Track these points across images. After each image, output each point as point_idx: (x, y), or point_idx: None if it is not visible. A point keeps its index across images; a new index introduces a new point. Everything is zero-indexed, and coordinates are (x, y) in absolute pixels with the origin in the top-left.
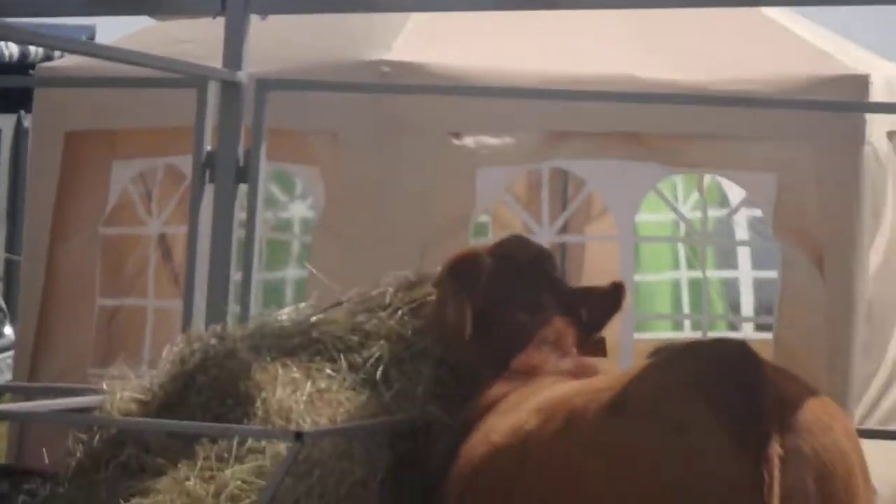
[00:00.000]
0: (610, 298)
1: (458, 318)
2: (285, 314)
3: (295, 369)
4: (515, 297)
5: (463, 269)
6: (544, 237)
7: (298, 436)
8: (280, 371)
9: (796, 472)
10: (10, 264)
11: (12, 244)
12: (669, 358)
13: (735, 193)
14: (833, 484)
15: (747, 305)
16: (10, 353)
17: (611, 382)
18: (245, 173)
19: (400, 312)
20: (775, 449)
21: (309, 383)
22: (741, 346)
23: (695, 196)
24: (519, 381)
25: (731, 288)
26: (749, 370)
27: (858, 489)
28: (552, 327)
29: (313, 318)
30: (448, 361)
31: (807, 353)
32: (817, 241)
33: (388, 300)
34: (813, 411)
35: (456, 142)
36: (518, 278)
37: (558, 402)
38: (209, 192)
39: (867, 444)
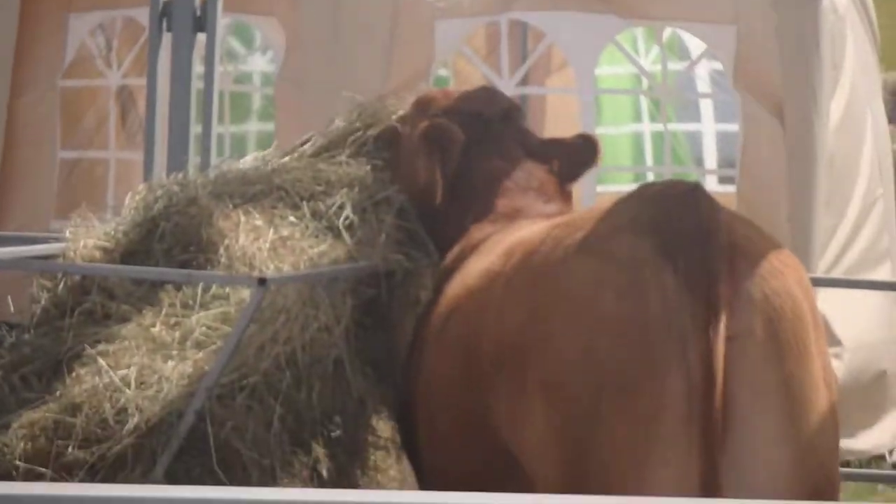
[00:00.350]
0: (582, 151)
1: (429, 182)
2: (247, 162)
3: (257, 216)
4: (490, 149)
5: (436, 133)
6: (504, 89)
7: (262, 282)
8: (242, 218)
9: (744, 315)
10: None
11: None
12: (625, 199)
13: (695, 46)
14: (782, 328)
15: (710, 158)
16: None
17: (568, 221)
18: (203, 22)
19: (362, 150)
20: (723, 291)
21: (271, 230)
22: (695, 189)
23: (655, 49)
24: (502, 224)
25: (693, 140)
26: (701, 212)
27: (808, 335)
28: (534, 174)
29: (275, 165)
30: (410, 209)
31: (769, 205)
32: (777, 93)
33: (349, 125)
34: (766, 257)
35: None
36: (490, 132)
37: (519, 242)
38: (167, 42)
39: (833, 296)
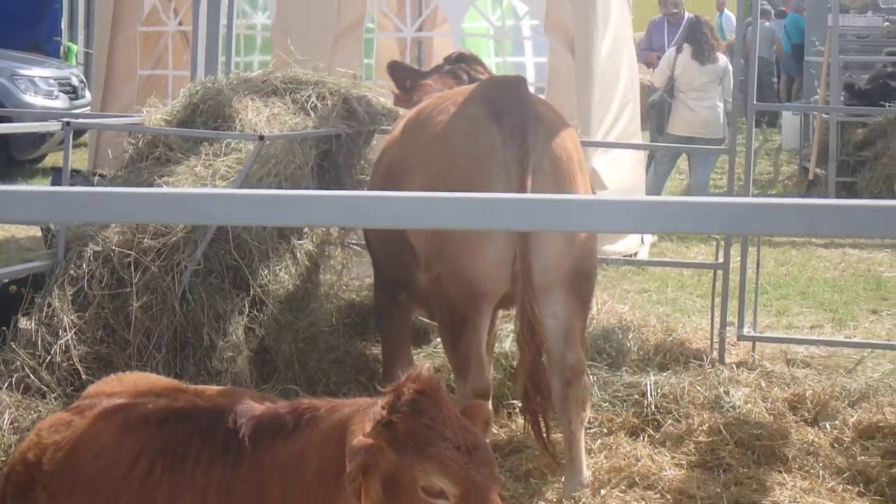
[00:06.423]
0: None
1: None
2: (253, 74)
3: (258, 101)
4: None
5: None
6: (407, 34)
7: (261, 138)
8: (250, 102)
9: (539, 155)
10: (87, 55)
11: (88, 42)
12: (477, 84)
13: (521, 9)
14: (560, 166)
15: (530, 77)
16: (88, 107)
17: (444, 96)
18: None
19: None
20: (530, 140)
21: (267, 109)
22: (518, 79)
23: (498, 10)
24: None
25: (520, 67)
26: (520, 93)
27: (576, 172)
28: (450, 83)
29: (269, 75)
30: (353, 97)
31: (566, 103)
32: (570, 35)
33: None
34: (555, 124)
35: None
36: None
37: (420, 108)
38: (205, 2)
39: (603, 156)
